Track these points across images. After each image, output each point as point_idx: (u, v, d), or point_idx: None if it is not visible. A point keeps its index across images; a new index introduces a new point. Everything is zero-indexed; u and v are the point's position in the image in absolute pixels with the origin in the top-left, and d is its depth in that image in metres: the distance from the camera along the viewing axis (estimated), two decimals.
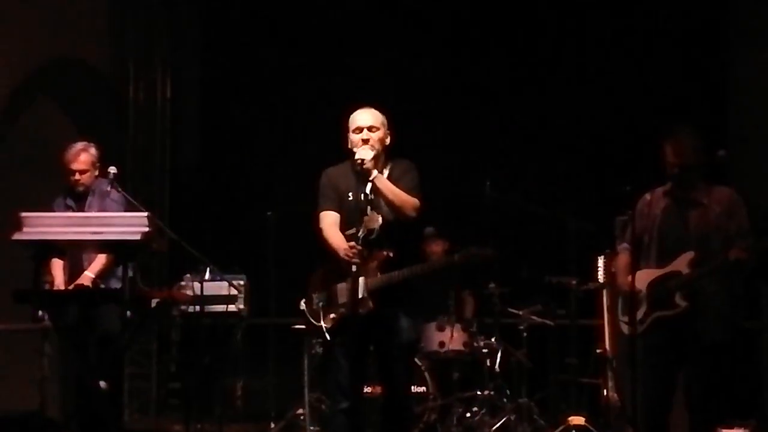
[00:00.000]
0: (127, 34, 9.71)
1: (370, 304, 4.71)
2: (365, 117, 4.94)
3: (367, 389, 5.01)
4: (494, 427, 7.00)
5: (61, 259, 5.99)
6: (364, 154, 4.79)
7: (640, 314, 4.77)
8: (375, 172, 4.79)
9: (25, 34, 8.37)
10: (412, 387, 6.02)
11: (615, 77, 8.93)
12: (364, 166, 4.76)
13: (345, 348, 4.81)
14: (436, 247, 7.63)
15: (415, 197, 4.85)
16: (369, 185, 4.77)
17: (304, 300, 5.04)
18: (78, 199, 6.12)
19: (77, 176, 6.09)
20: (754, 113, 8.64)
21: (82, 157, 6.10)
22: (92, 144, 6.26)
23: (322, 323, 4.89)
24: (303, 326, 5.17)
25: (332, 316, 4.87)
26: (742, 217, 4.82)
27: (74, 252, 5.99)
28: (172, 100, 9.83)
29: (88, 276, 5.94)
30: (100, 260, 5.95)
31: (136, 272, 5.82)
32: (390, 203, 4.81)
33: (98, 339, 5.80)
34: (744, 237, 4.72)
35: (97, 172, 6.16)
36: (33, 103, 8.91)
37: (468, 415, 7.12)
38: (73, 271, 6.02)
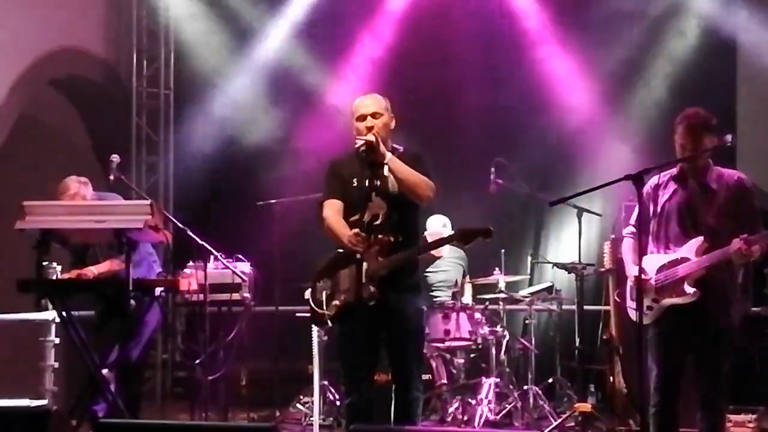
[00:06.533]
0: (131, 24, 9.69)
1: (372, 289, 4.68)
2: (368, 104, 4.93)
3: (377, 377, 4.97)
4: (500, 415, 6.98)
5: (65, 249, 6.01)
6: (368, 137, 4.76)
7: (647, 300, 4.73)
8: (388, 155, 4.78)
9: (29, 22, 8.34)
10: None
11: (621, 62, 8.88)
12: (380, 150, 4.73)
13: (353, 336, 4.79)
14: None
15: None
16: (385, 168, 4.75)
17: (309, 289, 5.02)
18: None
19: None
20: (762, 98, 8.59)
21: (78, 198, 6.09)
22: (82, 180, 6.21)
23: (325, 311, 4.87)
24: (307, 314, 5.13)
25: (335, 303, 4.85)
26: (750, 201, 4.78)
27: (80, 250, 6.00)
28: (176, 90, 9.82)
29: (91, 270, 5.97)
30: (106, 265, 5.99)
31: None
32: (406, 184, 4.78)
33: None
34: (752, 222, 4.67)
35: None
36: (37, 91, 8.89)
37: (473, 402, 7.10)
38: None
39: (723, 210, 4.73)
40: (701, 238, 4.69)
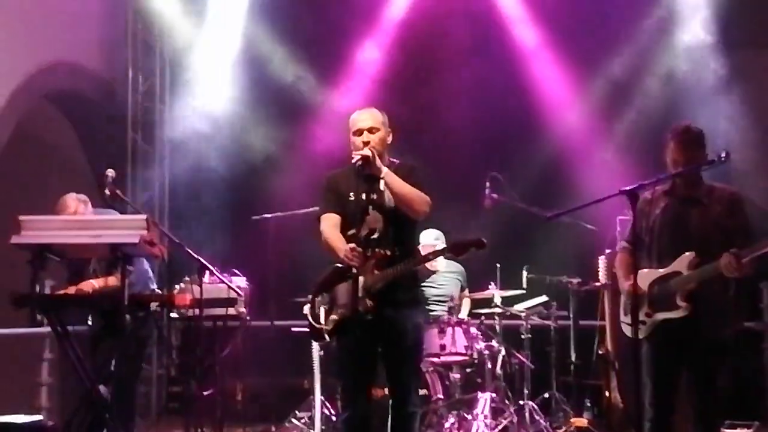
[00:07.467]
0: (126, 38, 9.71)
1: (368, 303, 4.69)
2: (365, 119, 4.93)
3: (374, 391, 4.98)
4: (496, 430, 6.97)
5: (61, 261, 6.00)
6: (364, 152, 4.77)
7: (641, 315, 4.73)
8: (385, 169, 4.78)
9: (25, 37, 8.35)
10: None
11: (615, 77, 8.91)
12: (376, 164, 4.74)
13: (350, 350, 4.79)
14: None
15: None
16: (381, 183, 4.76)
17: (308, 304, 5.01)
18: None
19: None
20: (757, 113, 8.62)
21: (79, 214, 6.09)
22: (81, 198, 6.21)
23: (323, 326, 4.87)
24: (303, 329, 5.13)
25: (333, 318, 4.85)
26: (742, 216, 4.79)
27: (77, 265, 6.00)
28: (171, 104, 9.84)
29: (91, 284, 5.95)
30: (106, 280, 5.97)
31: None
32: (401, 199, 4.78)
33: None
34: (744, 236, 4.68)
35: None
36: (33, 105, 8.90)
37: (469, 417, 7.08)
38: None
39: (715, 224, 4.74)
40: (692, 252, 4.70)
